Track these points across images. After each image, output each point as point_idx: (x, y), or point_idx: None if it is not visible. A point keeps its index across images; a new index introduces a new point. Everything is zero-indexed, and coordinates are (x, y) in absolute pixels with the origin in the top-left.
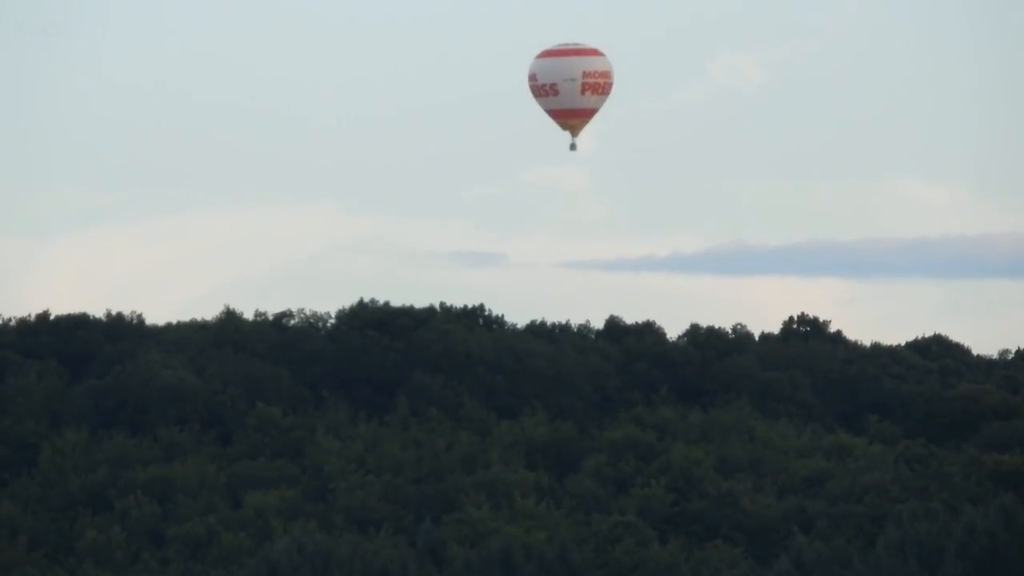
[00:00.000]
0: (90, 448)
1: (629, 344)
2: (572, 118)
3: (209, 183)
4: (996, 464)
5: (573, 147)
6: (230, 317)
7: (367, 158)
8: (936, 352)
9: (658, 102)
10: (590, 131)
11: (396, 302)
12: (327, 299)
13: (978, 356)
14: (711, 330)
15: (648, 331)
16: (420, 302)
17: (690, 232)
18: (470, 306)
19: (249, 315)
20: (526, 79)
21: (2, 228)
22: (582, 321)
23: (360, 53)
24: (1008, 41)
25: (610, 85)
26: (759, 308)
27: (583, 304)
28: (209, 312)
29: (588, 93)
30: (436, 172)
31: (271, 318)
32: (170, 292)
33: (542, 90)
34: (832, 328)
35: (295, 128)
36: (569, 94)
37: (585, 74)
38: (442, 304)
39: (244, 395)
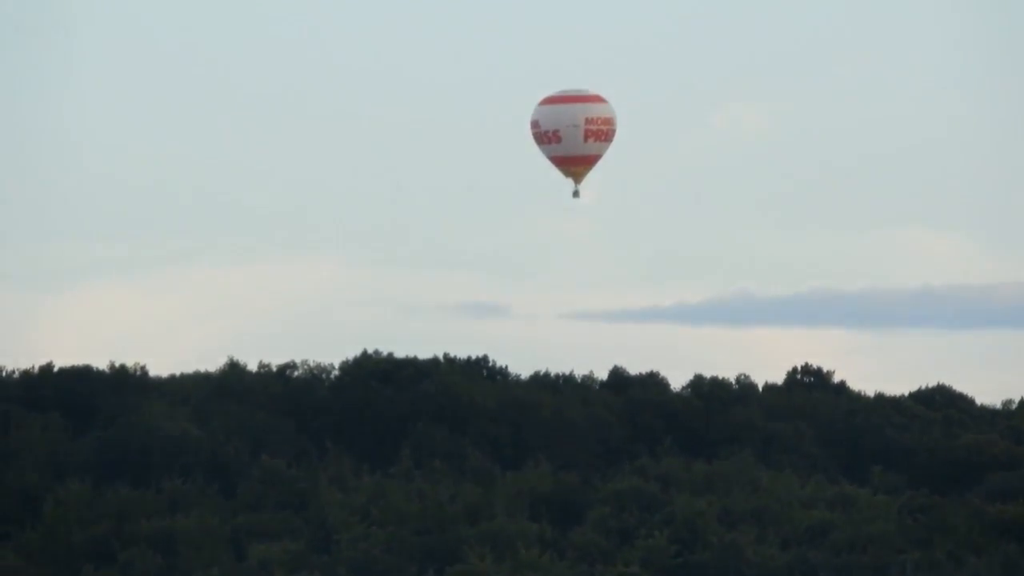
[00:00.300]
0: (94, 500)
1: (633, 395)
2: (575, 165)
3: (214, 235)
4: (1000, 514)
5: (576, 194)
6: (234, 368)
7: (371, 210)
8: (940, 402)
9: (662, 152)
10: (594, 182)
11: (400, 353)
12: (331, 350)
13: (982, 406)
14: (715, 381)
15: (652, 382)
16: (424, 353)
17: (694, 283)
18: (474, 357)
19: (253, 366)
20: (528, 126)
21: (6, 280)
22: (586, 372)
23: (362, 107)
24: (1012, 92)
25: (613, 132)
26: (763, 358)
27: (587, 355)
28: (213, 364)
29: (591, 140)
30: (440, 223)
31: (275, 369)
32: (174, 344)
33: (545, 137)
34: (836, 378)
35: (299, 181)
36: (572, 141)
37: (588, 120)
38: (446, 355)
39: (248, 447)
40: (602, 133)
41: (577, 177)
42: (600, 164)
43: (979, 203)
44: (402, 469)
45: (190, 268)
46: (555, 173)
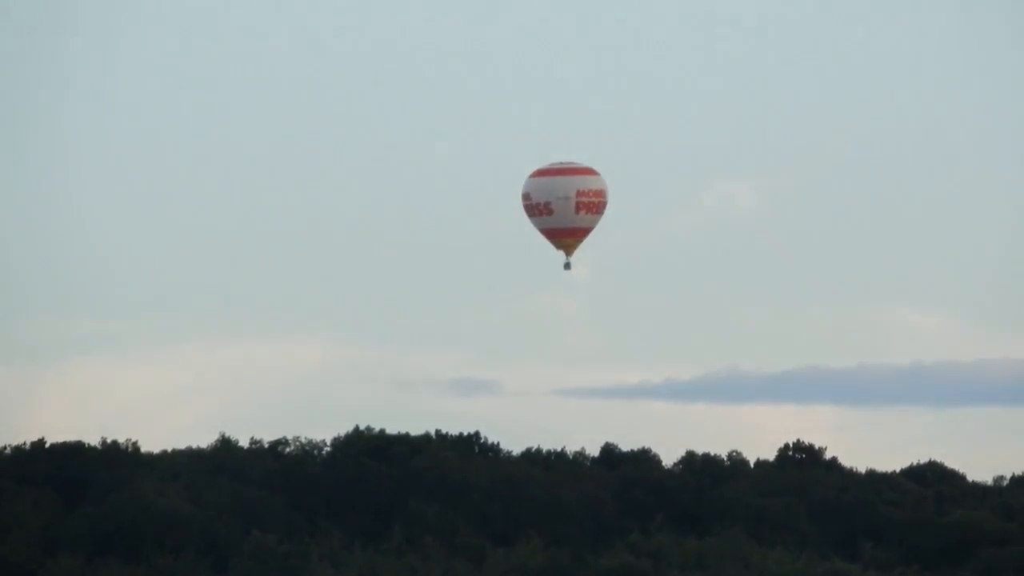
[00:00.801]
0: None
1: (625, 471)
2: (566, 237)
3: (204, 312)
4: None
5: (567, 266)
6: (225, 444)
7: (362, 286)
8: (931, 479)
9: (652, 229)
10: (584, 259)
11: (391, 429)
12: (322, 427)
13: (973, 482)
14: (707, 457)
15: (643, 458)
16: (415, 429)
17: (685, 360)
18: (465, 433)
19: (244, 442)
20: (519, 198)
21: None
22: (577, 448)
23: (350, 183)
24: (1000, 170)
25: (604, 204)
26: (754, 435)
27: (579, 431)
28: (204, 439)
29: (582, 212)
30: (430, 299)
31: (266, 445)
32: (165, 419)
33: (536, 209)
34: (827, 455)
35: (288, 257)
36: (563, 213)
37: (579, 193)
38: (437, 431)
39: (239, 522)
40: (593, 205)
41: (568, 249)
42: (591, 239)
43: (969, 280)
44: (394, 545)
45: (181, 344)
46: (546, 245)
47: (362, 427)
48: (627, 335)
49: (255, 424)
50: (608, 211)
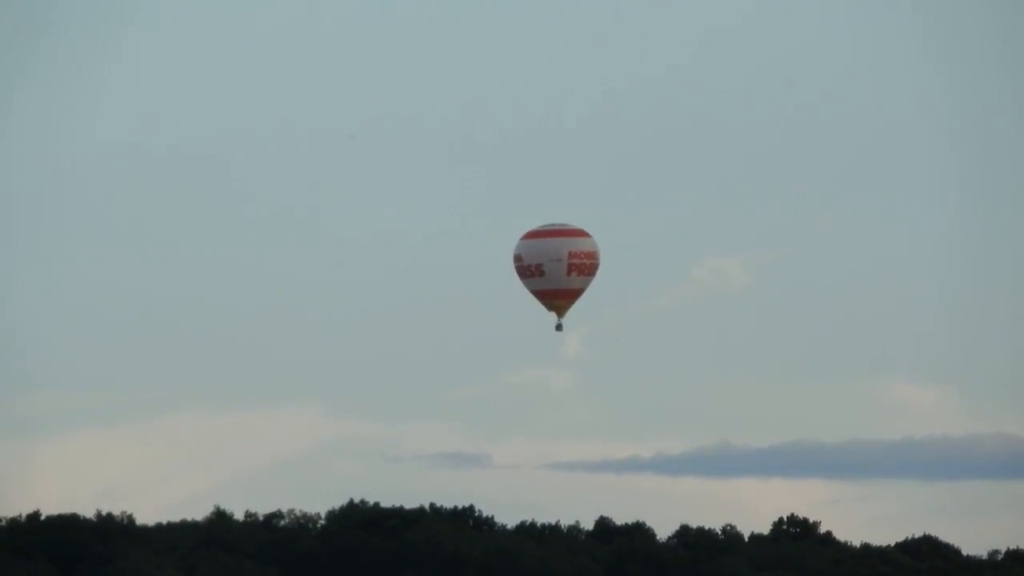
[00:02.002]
0: None
1: (619, 544)
2: (558, 299)
3: (197, 384)
4: None
5: (559, 327)
6: (220, 517)
7: (352, 358)
8: (926, 552)
9: (643, 304)
10: (575, 332)
11: (385, 503)
12: (312, 499)
13: (968, 556)
14: (701, 531)
15: (638, 532)
16: (408, 502)
17: (674, 434)
18: (460, 507)
19: (239, 515)
20: (511, 260)
21: None
22: (571, 522)
23: (339, 252)
24: (995, 245)
25: (596, 266)
26: (747, 508)
27: (570, 504)
28: (199, 512)
29: (574, 274)
30: (420, 373)
31: (261, 518)
32: (160, 492)
33: (527, 271)
34: (822, 529)
35: (280, 328)
36: (555, 275)
37: (571, 255)
38: (432, 505)
39: None
40: (585, 267)
41: (560, 311)
42: (582, 305)
43: (961, 356)
44: None
45: (174, 417)
46: (538, 308)
47: (356, 500)
48: (617, 409)
49: (249, 497)
50: (599, 281)
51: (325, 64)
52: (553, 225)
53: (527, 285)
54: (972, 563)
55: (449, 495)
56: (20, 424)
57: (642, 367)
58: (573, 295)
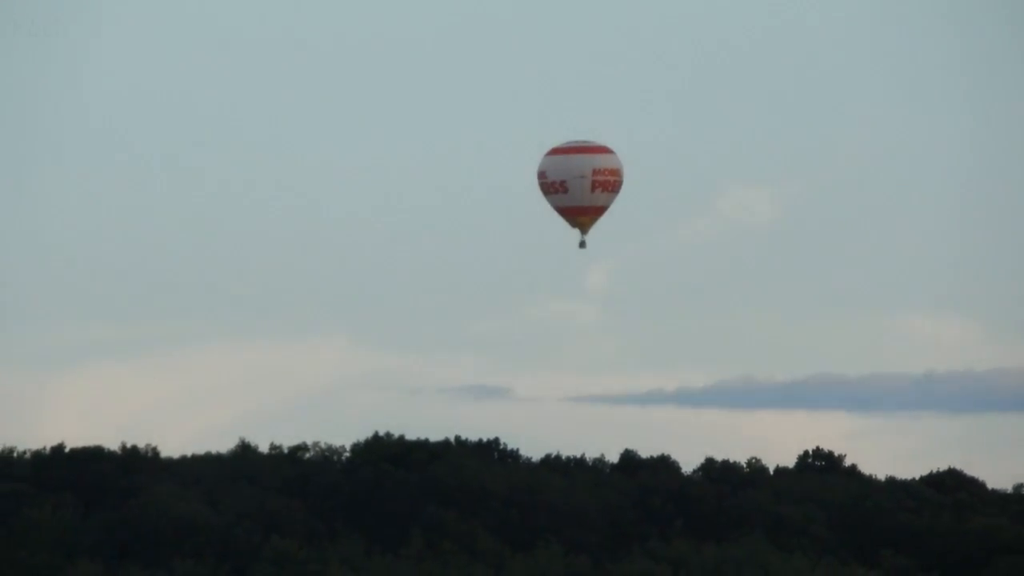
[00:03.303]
0: None
1: (643, 478)
2: (582, 215)
3: (221, 317)
4: None
5: (583, 244)
6: (245, 450)
7: (376, 291)
8: (950, 486)
9: (666, 237)
10: (599, 267)
11: (410, 435)
12: (337, 431)
13: (992, 490)
14: (726, 464)
15: (662, 465)
16: (433, 435)
17: (697, 367)
18: (485, 440)
19: (264, 448)
20: (535, 177)
21: (15, 362)
22: (596, 455)
23: (363, 184)
24: (1018, 176)
25: (620, 183)
26: (771, 442)
27: (593, 437)
28: (224, 445)
29: (598, 191)
30: (444, 305)
31: (286, 451)
32: (184, 424)
33: (552, 187)
34: (847, 462)
35: (304, 261)
36: (579, 191)
37: (595, 171)
38: (457, 438)
39: (259, 528)
40: (609, 184)
41: (583, 228)
42: (606, 232)
43: (984, 288)
44: (413, 551)
45: (199, 350)
46: (562, 228)
47: (381, 432)
48: (639, 343)
49: (273, 430)
50: (622, 202)
51: None
52: (577, 142)
53: (551, 201)
54: (997, 496)
55: (473, 428)
56: (44, 357)
57: (665, 301)
58: (597, 212)
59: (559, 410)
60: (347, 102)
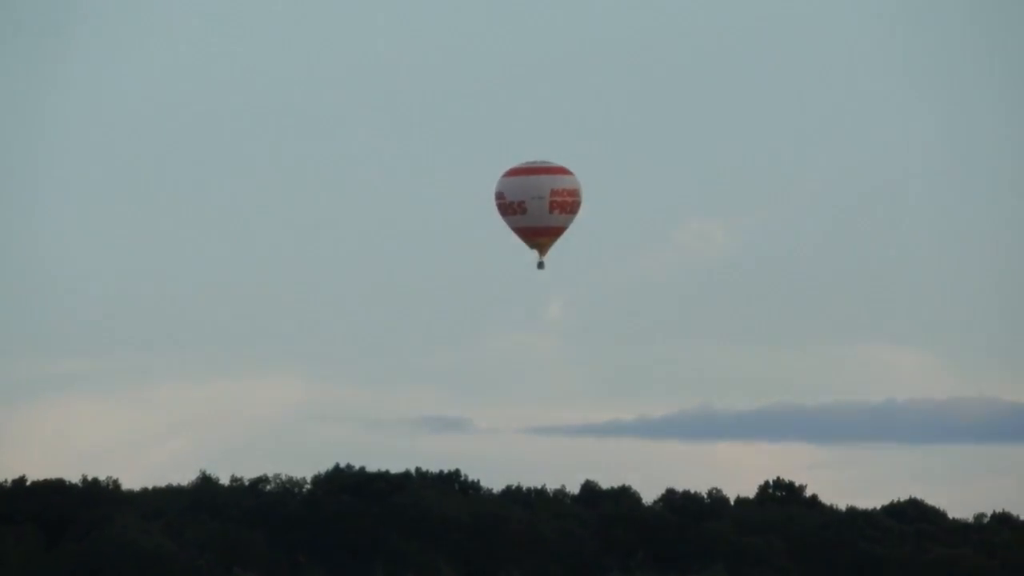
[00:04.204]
0: None
1: (605, 509)
2: (540, 236)
3: (182, 350)
4: None
5: (541, 266)
6: (206, 482)
7: (335, 323)
8: (912, 516)
9: (625, 268)
10: (556, 295)
11: (370, 467)
12: (297, 464)
13: (954, 519)
14: (687, 495)
15: (624, 495)
16: (392, 467)
17: (656, 398)
18: (446, 471)
19: (225, 480)
20: (492, 197)
21: None
22: (557, 486)
23: (321, 216)
24: (975, 205)
25: (578, 204)
26: (732, 472)
27: (553, 469)
28: (185, 477)
29: (556, 211)
30: (402, 337)
31: (247, 483)
32: (145, 457)
33: (509, 208)
34: (808, 492)
35: (262, 294)
36: (537, 212)
37: (553, 192)
38: (417, 469)
39: (221, 560)
40: (567, 205)
41: (542, 249)
42: (565, 257)
43: (943, 318)
44: None
45: (159, 382)
46: (519, 249)
47: (342, 464)
48: (595, 374)
49: (234, 462)
50: (582, 206)
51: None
52: (535, 162)
53: (509, 222)
54: (958, 526)
55: (433, 459)
56: (4, 390)
57: (623, 331)
58: (555, 232)
59: (518, 441)
60: (300, 131)
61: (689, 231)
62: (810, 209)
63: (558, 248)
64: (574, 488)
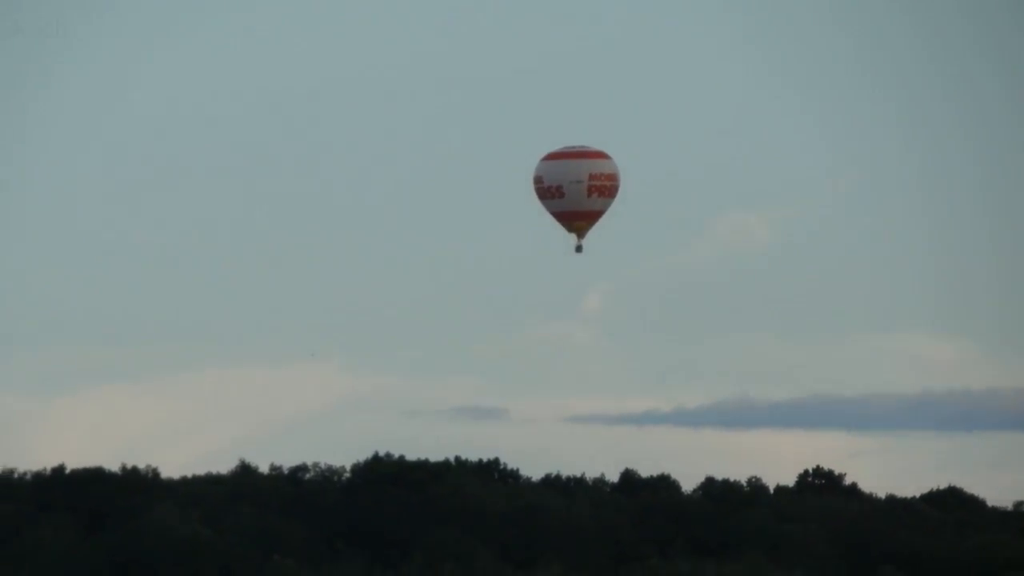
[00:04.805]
0: None
1: (644, 497)
2: (578, 220)
3: (221, 339)
4: None
5: (579, 249)
6: (245, 471)
7: (374, 311)
8: (951, 504)
9: (663, 260)
10: (595, 287)
11: (409, 456)
12: (336, 453)
13: (992, 508)
14: (726, 483)
15: (663, 484)
16: (430, 456)
17: (694, 387)
18: (485, 460)
19: (264, 469)
20: (531, 181)
21: (18, 383)
22: (596, 475)
23: (360, 205)
24: (1013, 194)
25: (616, 188)
26: (767, 462)
27: (588, 458)
28: (224, 466)
29: (595, 195)
30: (441, 326)
31: (286, 472)
32: (185, 446)
33: (548, 192)
34: (847, 481)
35: (302, 282)
36: (575, 196)
37: (591, 176)
38: (457, 458)
39: (260, 549)
40: (605, 189)
41: (580, 233)
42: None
43: (980, 308)
44: (414, 570)
45: (199, 371)
46: (559, 236)
47: (381, 453)
48: (632, 364)
49: (272, 451)
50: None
51: None
52: (574, 147)
53: (547, 207)
54: (997, 514)
55: (470, 448)
56: (45, 379)
57: (661, 320)
58: (593, 216)
59: (555, 430)
60: (336, 116)
61: (728, 222)
62: (849, 202)
63: (596, 237)
64: (613, 477)
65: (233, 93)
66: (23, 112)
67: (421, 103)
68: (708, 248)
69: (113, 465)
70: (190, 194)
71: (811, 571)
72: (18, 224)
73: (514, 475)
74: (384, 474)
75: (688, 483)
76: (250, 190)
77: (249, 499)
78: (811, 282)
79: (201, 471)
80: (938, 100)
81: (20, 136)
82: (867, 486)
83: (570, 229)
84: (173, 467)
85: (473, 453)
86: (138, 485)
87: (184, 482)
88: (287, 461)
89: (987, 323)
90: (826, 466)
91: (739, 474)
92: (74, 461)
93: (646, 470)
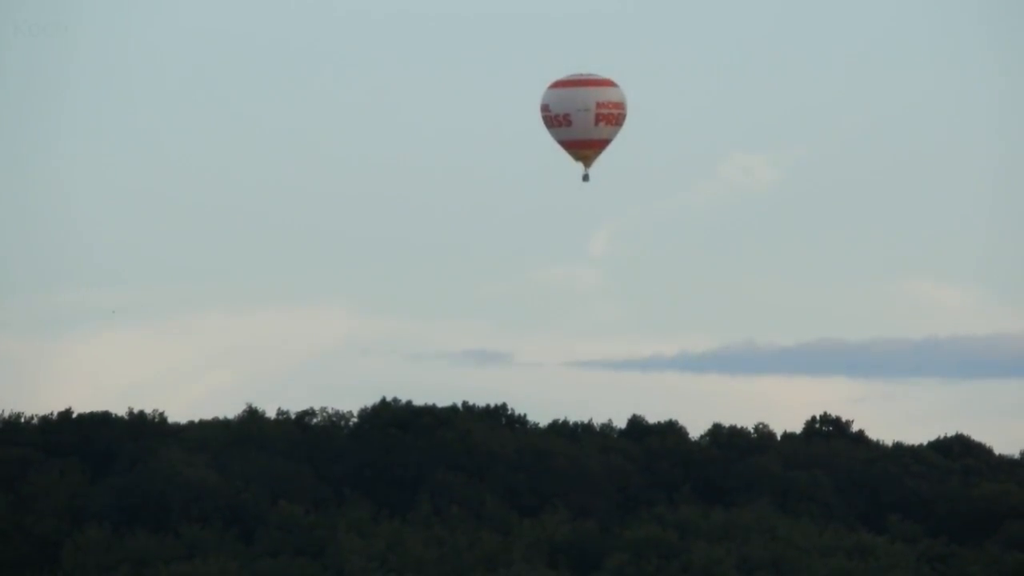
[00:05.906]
0: (112, 546)
1: (651, 443)
2: (585, 148)
3: (227, 282)
4: (1017, 563)
5: (586, 178)
6: (252, 415)
7: (378, 257)
8: (958, 451)
9: (669, 202)
10: (601, 232)
11: (417, 401)
12: (343, 397)
13: (1000, 456)
14: (733, 429)
15: (670, 430)
16: (437, 401)
17: (699, 332)
18: (492, 405)
19: (271, 413)
20: (538, 111)
21: (23, 327)
22: (603, 420)
23: (368, 152)
24: (1019, 142)
25: (624, 116)
26: (774, 408)
27: (594, 403)
28: (231, 410)
29: (602, 124)
30: (446, 270)
31: (293, 416)
32: (191, 390)
33: (555, 120)
34: (855, 428)
35: (307, 224)
36: (582, 124)
37: (599, 104)
38: (464, 403)
39: (266, 493)
40: (613, 117)
41: (587, 161)
42: (609, 172)
43: (986, 254)
44: (420, 516)
45: (205, 316)
46: (565, 161)
47: (388, 398)
48: (640, 307)
49: (279, 395)
50: (627, 118)
51: None
52: (580, 75)
53: (554, 135)
54: (1004, 462)
55: (479, 393)
56: (50, 323)
57: (666, 265)
58: (600, 145)
59: (561, 375)
60: (338, 57)
61: (733, 165)
62: (856, 145)
63: (601, 176)
64: (620, 422)
65: (242, 35)
66: (41, 53)
67: (426, 33)
68: (715, 191)
69: (120, 409)
70: (196, 135)
71: (818, 518)
72: (20, 166)
73: (521, 420)
74: (391, 419)
75: (695, 429)
76: (255, 129)
77: (256, 443)
78: (820, 227)
79: (208, 415)
80: (947, 36)
81: (36, 78)
82: (874, 433)
83: (577, 158)
84: (179, 411)
85: (480, 398)
86: (145, 429)
87: (190, 426)
88: (294, 406)
89: (995, 269)
90: (832, 413)
91: (746, 420)
92: (80, 405)
93: (653, 416)
